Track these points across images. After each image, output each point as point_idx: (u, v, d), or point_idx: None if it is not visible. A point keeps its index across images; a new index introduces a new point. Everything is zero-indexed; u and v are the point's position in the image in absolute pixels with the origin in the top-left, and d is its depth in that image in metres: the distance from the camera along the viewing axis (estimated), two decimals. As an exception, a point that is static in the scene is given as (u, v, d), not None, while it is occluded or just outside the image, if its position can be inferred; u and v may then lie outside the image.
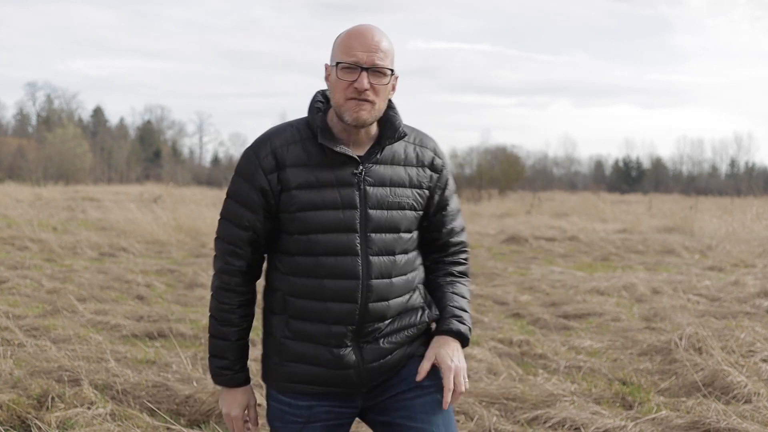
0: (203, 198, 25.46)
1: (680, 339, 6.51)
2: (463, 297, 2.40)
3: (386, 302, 2.27)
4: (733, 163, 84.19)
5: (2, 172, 55.45)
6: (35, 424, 4.46)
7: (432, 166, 2.35)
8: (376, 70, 2.19)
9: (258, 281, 2.40)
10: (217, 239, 2.33)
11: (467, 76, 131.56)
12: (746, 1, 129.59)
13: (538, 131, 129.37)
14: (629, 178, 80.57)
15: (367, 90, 2.18)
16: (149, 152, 77.17)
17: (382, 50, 2.19)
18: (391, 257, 2.27)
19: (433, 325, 2.41)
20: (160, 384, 5.15)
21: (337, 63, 2.19)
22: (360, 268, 2.22)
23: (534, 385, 5.46)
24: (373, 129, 2.28)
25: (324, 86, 2.33)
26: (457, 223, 2.44)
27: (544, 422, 4.80)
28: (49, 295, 8.83)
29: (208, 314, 2.38)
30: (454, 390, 2.26)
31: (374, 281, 2.24)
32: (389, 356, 2.30)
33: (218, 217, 2.33)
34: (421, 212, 2.34)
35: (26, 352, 6.09)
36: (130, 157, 74.32)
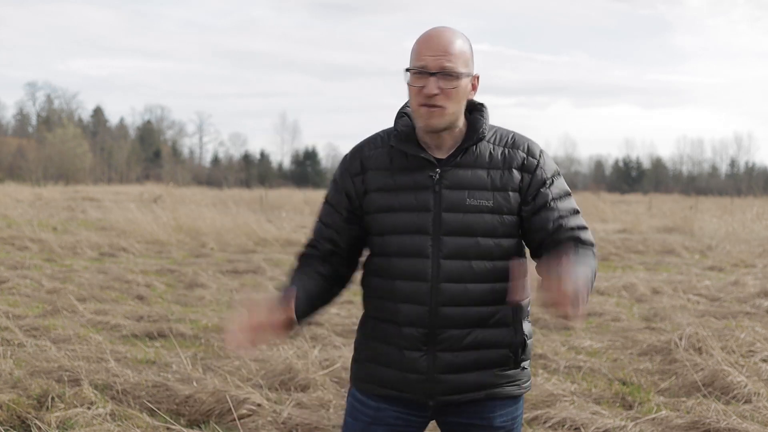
0: (203, 198, 25.49)
1: (680, 339, 6.51)
2: (583, 263, 2.15)
3: (461, 308, 2.21)
4: (733, 163, 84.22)
5: (2, 172, 55.47)
6: (35, 424, 4.46)
7: (522, 167, 2.24)
8: (445, 74, 2.16)
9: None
10: (312, 229, 2.42)
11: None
12: (745, 1, 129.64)
13: (538, 131, 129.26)
14: (629, 178, 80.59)
15: (436, 95, 2.16)
16: (149, 152, 77.18)
17: (451, 53, 2.16)
18: (466, 261, 2.21)
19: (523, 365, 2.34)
20: (160, 384, 5.16)
21: (408, 69, 2.21)
22: (430, 270, 2.20)
23: (534, 385, 5.46)
24: (459, 131, 2.26)
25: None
26: (569, 221, 2.24)
27: (544, 422, 4.80)
28: (49, 295, 8.83)
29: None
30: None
31: (445, 284, 2.20)
32: (464, 374, 2.23)
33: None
34: (511, 216, 2.23)
35: (26, 352, 6.09)
36: (130, 157, 74.35)
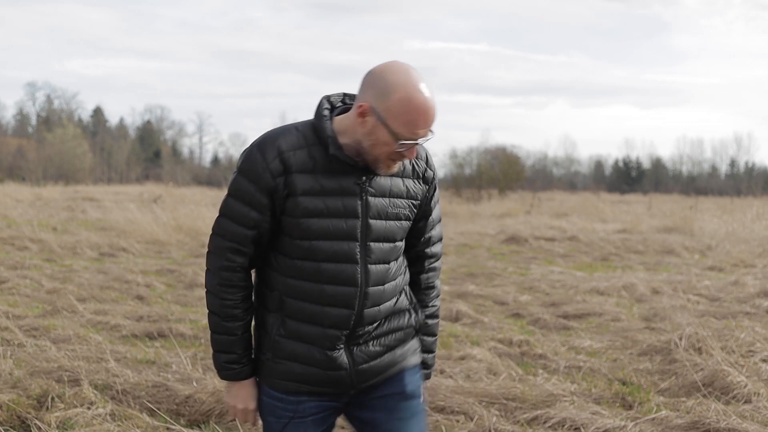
0: (203, 198, 25.48)
1: (680, 339, 6.51)
2: (434, 335, 2.58)
3: (378, 307, 2.34)
4: (732, 163, 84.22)
5: (2, 172, 55.44)
6: (35, 424, 4.46)
7: (425, 179, 2.41)
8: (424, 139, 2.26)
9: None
10: (215, 236, 2.32)
11: (464, 76, 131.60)
12: (741, 2, 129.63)
13: (536, 131, 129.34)
14: (629, 178, 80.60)
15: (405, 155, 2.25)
16: (149, 152, 77.18)
17: (432, 123, 2.23)
18: (386, 265, 2.34)
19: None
20: (160, 384, 5.16)
21: (396, 135, 2.17)
22: (359, 275, 2.28)
23: (534, 385, 5.46)
24: None
25: (326, 91, 2.36)
26: (435, 233, 2.50)
27: (544, 422, 4.80)
28: (49, 295, 8.83)
29: (208, 311, 2.37)
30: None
31: (371, 288, 2.31)
32: (379, 359, 2.38)
33: (219, 213, 2.33)
34: (411, 221, 2.42)
35: (26, 352, 6.09)
36: (130, 157, 74.36)
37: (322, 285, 2.27)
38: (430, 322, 2.54)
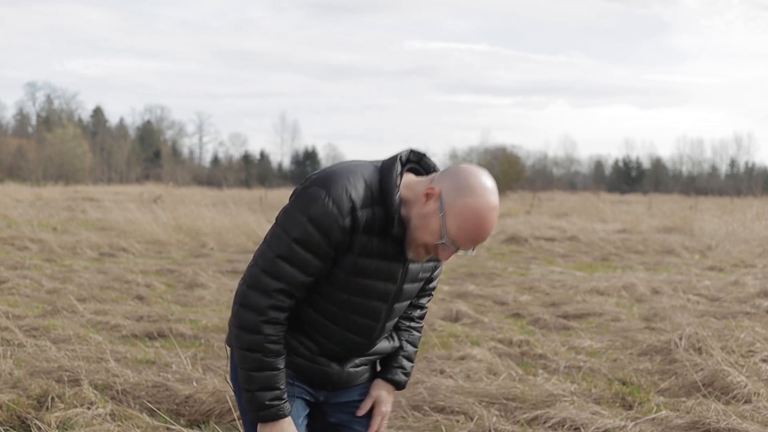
0: (203, 198, 25.48)
1: (680, 339, 6.51)
2: (415, 346, 2.60)
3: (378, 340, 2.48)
4: (732, 163, 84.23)
5: (2, 172, 55.45)
6: (35, 424, 4.46)
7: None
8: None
9: None
10: (265, 276, 2.22)
11: (464, 76, 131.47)
12: (740, 2, 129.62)
13: (536, 131, 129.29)
14: (629, 178, 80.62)
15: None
16: (149, 152, 77.19)
17: (486, 239, 2.25)
18: (406, 303, 2.46)
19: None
20: (160, 384, 5.15)
21: (446, 232, 2.18)
22: (375, 332, 2.40)
23: (534, 385, 5.46)
24: None
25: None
26: (435, 273, 2.56)
27: (544, 422, 4.80)
28: (49, 295, 8.83)
29: (242, 351, 2.26)
30: None
31: (378, 341, 2.46)
32: (359, 368, 2.49)
33: (271, 253, 2.23)
34: None
35: (26, 352, 6.09)
36: (130, 157, 74.37)
37: (345, 332, 2.35)
38: (414, 332, 2.59)
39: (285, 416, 2.27)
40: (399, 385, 2.57)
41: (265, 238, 2.29)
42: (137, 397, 5.01)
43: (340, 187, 2.18)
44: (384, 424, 2.55)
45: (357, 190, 2.19)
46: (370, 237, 2.22)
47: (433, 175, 2.26)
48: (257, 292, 2.22)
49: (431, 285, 2.60)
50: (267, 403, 2.25)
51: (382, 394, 2.54)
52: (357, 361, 2.46)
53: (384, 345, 2.50)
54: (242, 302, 2.23)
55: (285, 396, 2.27)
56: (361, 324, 2.35)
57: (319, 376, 2.41)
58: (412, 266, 2.35)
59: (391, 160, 2.25)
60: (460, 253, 2.26)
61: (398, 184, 2.21)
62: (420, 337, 2.63)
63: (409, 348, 2.58)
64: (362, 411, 2.50)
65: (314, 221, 2.17)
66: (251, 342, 2.23)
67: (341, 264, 2.24)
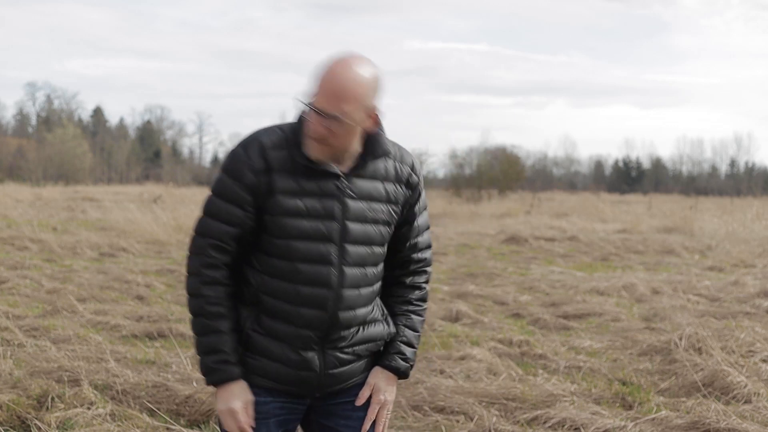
0: (203, 198, 25.47)
1: (680, 339, 6.51)
2: (415, 331, 2.49)
3: (353, 311, 2.34)
4: (733, 163, 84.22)
5: (2, 172, 55.44)
6: (35, 424, 4.46)
7: (408, 183, 2.40)
8: (331, 117, 2.21)
9: None
10: (197, 236, 2.32)
11: (464, 76, 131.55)
12: (740, 2, 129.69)
13: (536, 131, 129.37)
14: (629, 178, 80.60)
15: (325, 137, 2.22)
16: (149, 152, 77.19)
17: (341, 98, 2.19)
18: (363, 269, 2.34)
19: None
20: (160, 384, 5.16)
21: (310, 102, 2.23)
22: (334, 277, 2.29)
23: (534, 385, 5.46)
24: (356, 146, 2.31)
25: None
26: (422, 239, 2.47)
27: (544, 422, 4.80)
28: (49, 295, 8.83)
29: (192, 318, 2.32)
30: (375, 422, 2.43)
31: (346, 290, 2.30)
32: (348, 366, 2.38)
33: (200, 212, 2.33)
34: (393, 227, 2.40)
35: (26, 352, 6.09)
36: (130, 157, 74.36)
37: (297, 285, 2.28)
38: (413, 316, 2.48)
39: (233, 379, 2.30)
40: (399, 372, 2.45)
41: None
42: (137, 397, 5.01)
43: (251, 137, 2.29)
44: (384, 414, 2.44)
45: (268, 136, 2.28)
46: (294, 176, 2.25)
47: None
48: (193, 255, 2.32)
49: (420, 256, 2.47)
50: (212, 366, 2.29)
51: (380, 382, 2.44)
52: (340, 356, 2.34)
53: (375, 330, 2.39)
54: (187, 270, 2.33)
55: (233, 359, 2.29)
56: (315, 274, 2.26)
57: (296, 382, 2.33)
58: (354, 204, 2.28)
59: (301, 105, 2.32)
60: (326, 122, 2.19)
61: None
62: (421, 321, 2.50)
63: (407, 333, 2.47)
64: (360, 400, 2.41)
65: (227, 171, 2.28)
66: (194, 307, 2.30)
67: (269, 208, 2.25)
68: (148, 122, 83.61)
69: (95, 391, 4.94)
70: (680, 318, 8.04)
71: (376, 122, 2.30)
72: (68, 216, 22.05)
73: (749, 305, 8.87)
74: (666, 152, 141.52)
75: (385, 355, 2.46)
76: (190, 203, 21.14)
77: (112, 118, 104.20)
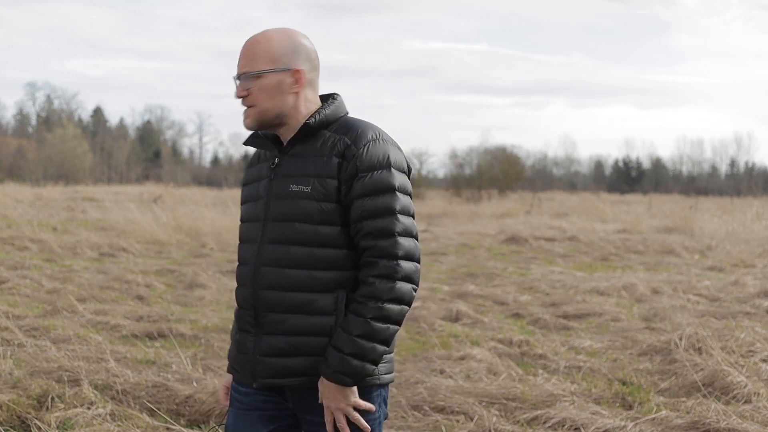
0: (203, 198, 25.45)
1: (680, 339, 6.51)
2: (348, 333, 2.19)
3: (279, 293, 2.26)
4: (733, 163, 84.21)
5: (2, 172, 55.43)
6: (35, 424, 4.46)
7: (343, 155, 2.23)
8: (245, 76, 2.31)
9: None
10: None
11: (464, 76, 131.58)
12: (739, 2, 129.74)
13: (536, 131, 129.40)
14: (629, 178, 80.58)
15: (242, 98, 2.33)
16: (149, 152, 77.17)
17: (250, 57, 2.31)
18: (284, 247, 2.26)
19: None
20: (160, 384, 5.15)
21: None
22: (254, 254, 2.34)
23: (534, 385, 5.46)
24: (298, 123, 2.34)
25: None
26: (369, 224, 2.21)
27: (544, 422, 4.80)
28: (49, 295, 8.82)
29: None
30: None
31: (265, 268, 2.29)
32: (285, 358, 2.25)
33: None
34: (329, 203, 2.23)
35: (26, 352, 6.08)
36: (130, 157, 74.35)
37: (238, 265, 2.42)
38: (350, 316, 2.20)
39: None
40: (325, 375, 2.20)
41: None
42: (137, 397, 5.01)
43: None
44: (341, 419, 2.23)
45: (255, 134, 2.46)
46: (255, 167, 2.44)
47: None
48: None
49: (367, 243, 2.21)
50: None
51: (321, 385, 2.24)
52: (273, 343, 2.25)
53: (317, 324, 2.22)
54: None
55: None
56: (243, 251, 2.40)
57: (238, 364, 2.38)
58: (280, 180, 2.31)
59: None
60: (241, 84, 2.33)
61: None
62: (362, 321, 2.18)
63: (337, 334, 2.21)
64: (329, 427, 2.25)
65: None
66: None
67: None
68: (148, 122, 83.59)
69: (95, 391, 4.94)
70: (680, 318, 8.04)
71: (299, 83, 2.31)
72: (68, 216, 22.04)
73: (749, 305, 8.86)
74: (666, 152, 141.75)
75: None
76: (190, 203, 21.13)
77: (112, 118, 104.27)
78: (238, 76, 2.32)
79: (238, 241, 2.47)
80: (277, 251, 2.27)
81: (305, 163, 2.28)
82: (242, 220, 2.45)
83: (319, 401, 2.26)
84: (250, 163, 2.49)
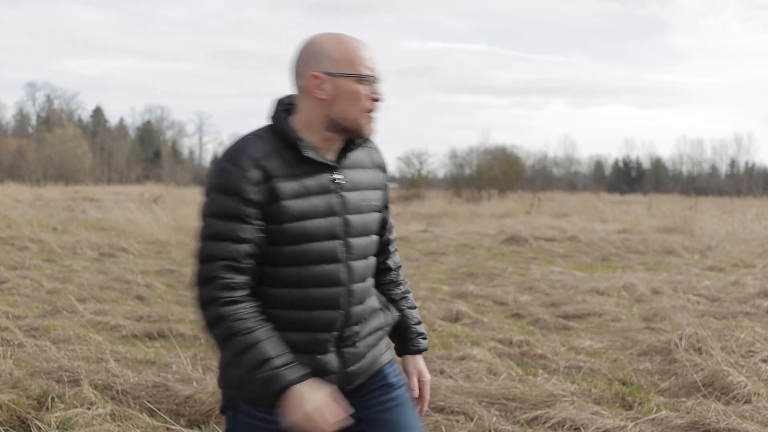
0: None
1: (680, 339, 6.51)
2: (415, 308, 2.56)
3: (363, 305, 2.33)
4: (732, 164, 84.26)
5: (2, 172, 55.44)
6: (35, 424, 4.46)
7: (382, 167, 2.41)
8: (377, 80, 2.27)
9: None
10: (202, 265, 2.15)
11: (463, 76, 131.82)
12: (737, 2, 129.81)
13: (536, 131, 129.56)
14: (629, 178, 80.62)
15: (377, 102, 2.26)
16: (149, 152, 77.20)
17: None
18: (366, 260, 2.33)
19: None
20: (160, 384, 5.15)
21: (354, 75, 2.19)
22: (344, 273, 2.25)
23: (534, 385, 5.46)
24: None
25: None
26: (392, 220, 2.54)
27: (544, 422, 4.80)
28: (49, 295, 8.82)
29: (220, 345, 2.16)
30: (422, 400, 2.52)
31: (355, 285, 2.28)
32: (363, 360, 2.34)
33: (200, 241, 2.18)
34: (379, 213, 2.41)
35: (26, 352, 6.09)
36: (130, 157, 74.39)
37: (309, 289, 2.20)
38: (409, 295, 2.56)
39: (292, 383, 2.12)
40: (425, 350, 2.58)
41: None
42: (137, 397, 5.01)
43: (234, 151, 2.17)
44: (427, 391, 2.54)
45: (253, 146, 2.17)
46: (295, 178, 2.18)
47: (295, 89, 2.26)
48: (201, 286, 2.15)
49: (393, 236, 2.52)
50: (272, 373, 2.11)
51: (419, 365, 2.53)
52: (356, 351, 2.30)
53: (380, 319, 2.39)
54: (198, 302, 2.17)
55: (292, 357, 2.15)
56: (326, 273, 2.21)
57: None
58: (349, 194, 2.26)
59: (271, 107, 2.28)
60: (376, 75, 2.24)
61: (284, 117, 2.24)
62: (412, 295, 2.59)
63: (414, 313, 2.55)
64: (416, 391, 2.50)
65: (221, 189, 2.14)
66: (221, 333, 2.13)
67: (275, 217, 2.16)
68: (148, 122, 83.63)
69: (95, 391, 4.94)
70: (680, 318, 8.04)
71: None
72: (68, 216, 22.04)
73: (749, 305, 8.86)
74: (666, 152, 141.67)
75: (408, 341, 2.53)
76: (190, 203, 21.14)
77: (112, 118, 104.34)
78: (375, 80, 2.22)
79: (274, 266, 2.20)
80: (362, 267, 2.31)
81: (366, 174, 2.32)
82: (306, 240, 2.19)
83: (426, 376, 2.53)
84: (276, 171, 2.16)
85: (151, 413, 4.75)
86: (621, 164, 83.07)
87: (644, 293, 9.81)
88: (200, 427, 4.68)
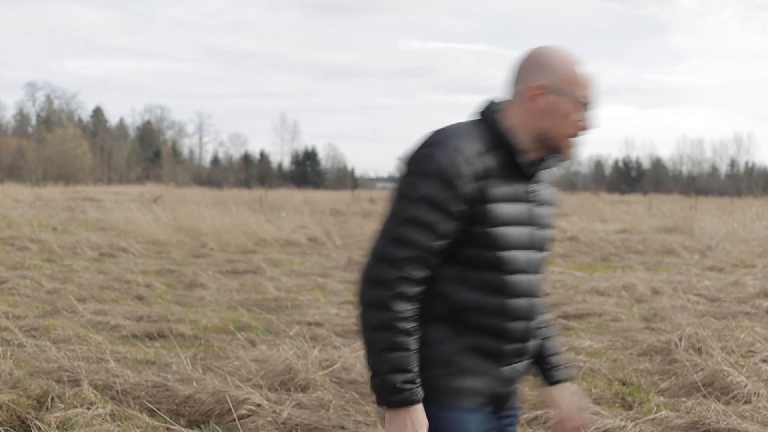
0: (203, 198, 25.48)
1: (680, 339, 6.51)
2: (554, 337, 2.48)
3: (536, 321, 2.26)
4: (732, 164, 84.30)
5: (2, 172, 55.46)
6: (35, 424, 4.46)
7: (554, 184, 2.39)
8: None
9: None
10: (395, 244, 2.03)
11: (462, 76, 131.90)
12: (735, 2, 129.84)
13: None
14: (629, 178, 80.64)
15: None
16: (149, 152, 77.21)
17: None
18: (541, 275, 2.28)
19: None
20: (160, 384, 5.15)
21: (572, 97, 2.14)
22: (534, 286, 2.21)
23: (533, 385, 5.45)
24: None
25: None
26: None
27: (544, 422, 4.80)
28: (49, 295, 8.82)
29: (370, 331, 2.05)
30: None
31: (536, 300, 2.23)
32: (520, 378, 2.33)
33: (394, 220, 2.06)
34: None
35: (26, 352, 6.08)
36: (130, 157, 74.41)
37: (507, 298, 2.13)
38: (551, 326, 2.48)
39: (418, 402, 2.05)
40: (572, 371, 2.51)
41: (385, 215, 2.10)
42: (137, 397, 5.01)
43: (453, 139, 2.07)
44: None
45: (467, 140, 2.07)
46: (505, 182, 2.10)
47: (510, 91, 2.19)
48: (384, 264, 2.03)
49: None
50: (398, 386, 2.02)
51: (574, 399, 2.46)
52: (523, 366, 2.29)
53: (534, 344, 2.31)
54: (368, 278, 2.05)
55: (417, 380, 2.05)
56: (525, 283, 2.16)
57: (497, 399, 2.22)
58: (540, 208, 2.21)
59: (483, 106, 2.20)
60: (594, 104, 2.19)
61: (500, 119, 2.15)
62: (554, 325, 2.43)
63: (554, 343, 2.45)
64: (585, 426, 2.43)
65: (435, 174, 2.02)
66: (380, 320, 2.03)
67: (481, 218, 2.07)
68: (148, 122, 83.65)
69: (95, 391, 4.94)
70: (680, 318, 8.04)
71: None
72: (68, 216, 22.05)
73: (749, 305, 8.86)
74: (666, 152, 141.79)
75: (553, 371, 2.47)
76: (190, 203, 21.14)
77: (112, 118, 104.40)
78: (589, 107, 2.18)
79: (475, 268, 2.11)
80: (540, 281, 2.25)
81: (547, 191, 2.29)
82: (510, 247, 2.11)
83: (562, 408, 2.51)
84: (490, 171, 2.08)
85: (151, 413, 4.75)
86: (621, 164, 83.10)
87: (644, 293, 9.81)
88: (200, 427, 4.68)
